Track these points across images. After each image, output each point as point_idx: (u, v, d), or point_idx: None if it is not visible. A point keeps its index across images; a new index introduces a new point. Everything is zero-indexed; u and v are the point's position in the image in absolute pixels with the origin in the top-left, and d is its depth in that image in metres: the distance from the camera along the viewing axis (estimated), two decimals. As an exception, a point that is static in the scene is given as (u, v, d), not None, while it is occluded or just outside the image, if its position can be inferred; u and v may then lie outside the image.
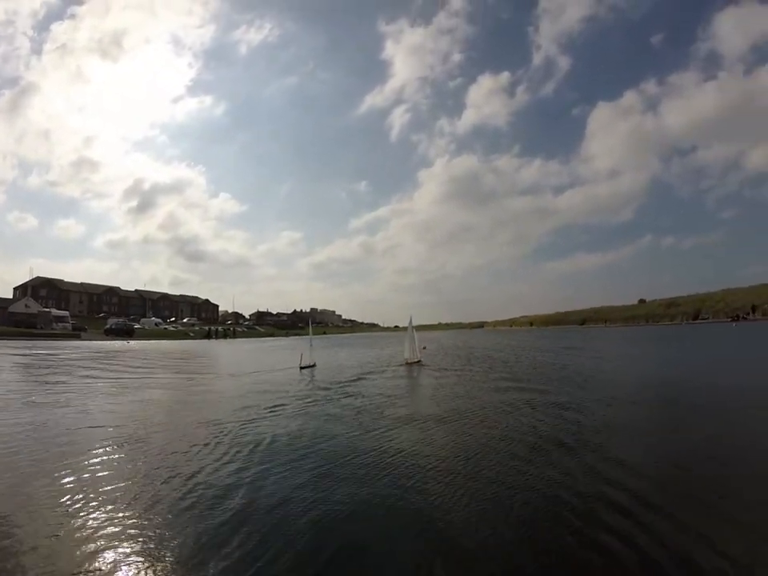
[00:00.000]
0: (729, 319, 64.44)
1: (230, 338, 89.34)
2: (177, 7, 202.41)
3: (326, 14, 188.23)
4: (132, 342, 55.66)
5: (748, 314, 65.27)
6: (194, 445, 7.23)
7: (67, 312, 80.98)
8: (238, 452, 6.80)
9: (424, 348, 28.36)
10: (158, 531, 4.11)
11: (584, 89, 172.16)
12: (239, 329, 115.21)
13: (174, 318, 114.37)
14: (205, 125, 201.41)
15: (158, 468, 6.02)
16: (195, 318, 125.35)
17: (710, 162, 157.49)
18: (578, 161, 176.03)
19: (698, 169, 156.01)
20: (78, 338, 63.15)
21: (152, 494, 5.04)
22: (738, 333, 38.95)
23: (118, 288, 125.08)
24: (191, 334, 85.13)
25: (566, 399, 10.56)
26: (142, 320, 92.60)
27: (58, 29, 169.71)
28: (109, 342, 57.60)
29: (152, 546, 3.84)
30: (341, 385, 14.51)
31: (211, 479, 5.57)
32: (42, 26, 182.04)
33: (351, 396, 12.09)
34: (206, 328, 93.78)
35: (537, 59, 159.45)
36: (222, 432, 8.07)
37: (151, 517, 4.42)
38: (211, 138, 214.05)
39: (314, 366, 20.80)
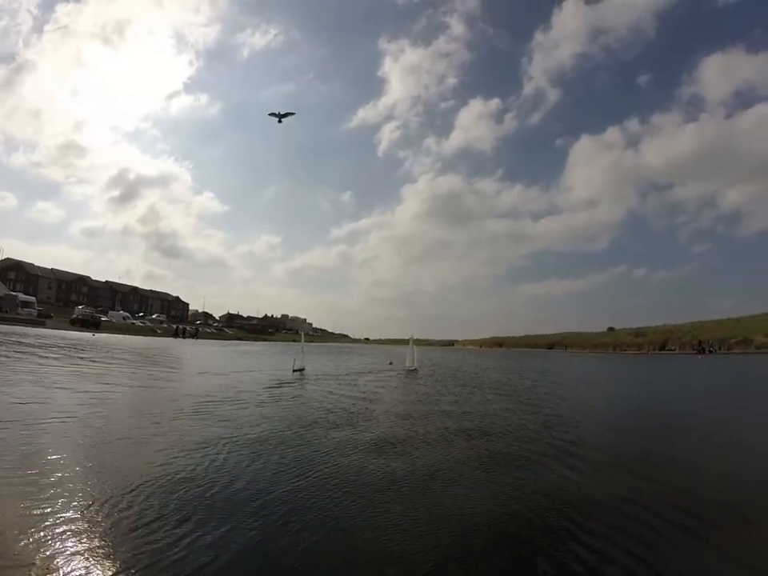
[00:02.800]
0: (695, 352, 65.44)
1: (197, 337, 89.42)
2: (185, 3, 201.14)
3: (331, 26, 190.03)
4: (97, 335, 55.74)
5: (713, 348, 66.32)
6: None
7: (34, 298, 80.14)
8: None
9: (390, 363, 29.72)
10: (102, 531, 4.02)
11: (569, 121, 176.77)
12: (207, 330, 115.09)
13: (142, 314, 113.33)
14: (197, 123, 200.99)
15: (110, 467, 5.81)
16: (164, 315, 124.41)
17: (686, 199, 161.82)
18: (558, 189, 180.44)
19: (674, 205, 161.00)
20: (43, 325, 61.81)
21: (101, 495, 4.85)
22: (703, 365, 40.17)
23: (89, 277, 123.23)
24: (159, 331, 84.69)
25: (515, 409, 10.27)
26: (110, 312, 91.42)
27: (63, 9, 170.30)
28: (74, 332, 57.50)
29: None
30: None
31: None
32: (47, 4, 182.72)
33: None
34: (174, 326, 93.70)
35: (527, 89, 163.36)
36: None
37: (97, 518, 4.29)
38: (202, 136, 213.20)
39: (303, 369, 22.44)
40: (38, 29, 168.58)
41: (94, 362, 21.03)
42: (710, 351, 64.78)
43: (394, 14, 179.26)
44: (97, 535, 3.95)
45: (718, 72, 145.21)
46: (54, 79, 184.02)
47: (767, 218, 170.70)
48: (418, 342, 27.70)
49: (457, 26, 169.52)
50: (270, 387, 16.04)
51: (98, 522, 4.21)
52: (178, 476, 5.74)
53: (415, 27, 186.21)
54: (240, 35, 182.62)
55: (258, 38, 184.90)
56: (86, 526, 4.12)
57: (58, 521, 4.16)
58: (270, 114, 28.31)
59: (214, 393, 13.48)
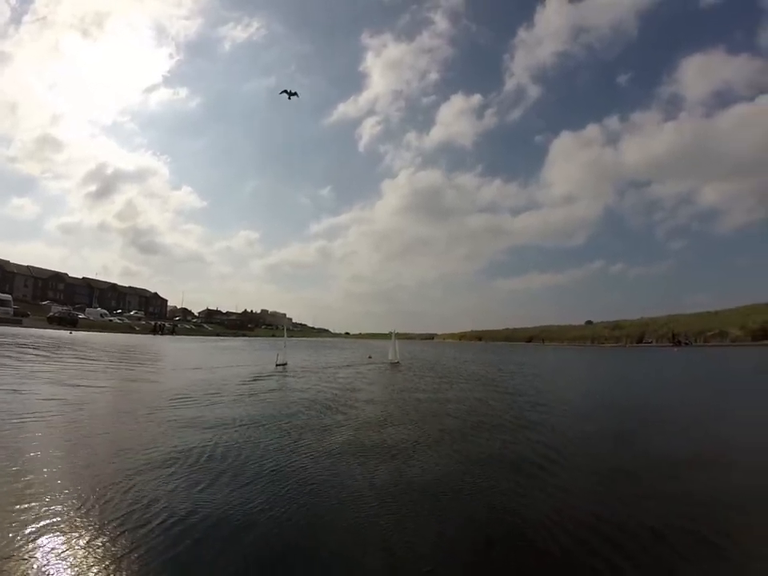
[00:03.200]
0: (671, 344, 66.98)
1: (175, 334, 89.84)
2: None
3: (314, 20, 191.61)
4: (75, 333, 56.25)
5: (688, 340, 68.07)
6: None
7: (10, 296, 79.48)
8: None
9: (370, 357, 30.47)
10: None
11: (549, 118, 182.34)
12: (187, 326, 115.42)
13: (120, 310, 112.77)
14: (177, 116, 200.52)
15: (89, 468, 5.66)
16: (143, 311, 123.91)
17: (663, 196, 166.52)
18: (537, 185, 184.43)
19: (652, 202, 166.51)
20: (20, 324, 61.13)
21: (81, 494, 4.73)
22: (679, 357, 40.80)
23: (66, 274, 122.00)
24: (137, 328, 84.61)
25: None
26: (88, 310, 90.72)
27: (42, 0, 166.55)
28: (51, 330, 57.79)
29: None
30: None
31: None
32: None
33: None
34: (153, 323, 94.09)
35: (509, 85, 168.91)
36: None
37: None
38: (181, 130, 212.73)
39: (285, 364, 22.72)
40: (16, 20, 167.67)
41: (70, 361, 20.77)
42: (686, 344, 66.36)
43: (378, 9, 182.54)
44: (68, 530, 3.92)
45: (698, 72, 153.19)
46: (31, 71, 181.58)
47: (743, 216, 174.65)
48: (399, 336, 28.93)
49: (441, 22, 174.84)
50: (255, 381, 16.46)
51: (71, 518, 4.18)
52: (169, 467, 5.84)
53: (398, 22, 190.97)
54: (222, 28, 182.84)
55: (240, 32, 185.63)
56: (59, 521, 4.10)
57: (34, 516, 4.14)
58: (282, 92, 30.36)
59: (200, 388, 13.53)
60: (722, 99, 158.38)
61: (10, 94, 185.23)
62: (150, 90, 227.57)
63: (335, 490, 5.24)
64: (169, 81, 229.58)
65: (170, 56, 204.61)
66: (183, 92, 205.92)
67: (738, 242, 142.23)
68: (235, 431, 8.03)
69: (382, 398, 13.14)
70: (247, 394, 12.86)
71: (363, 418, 9.86)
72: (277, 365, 22.34)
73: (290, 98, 32.01)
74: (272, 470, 5.84)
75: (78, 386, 12.90)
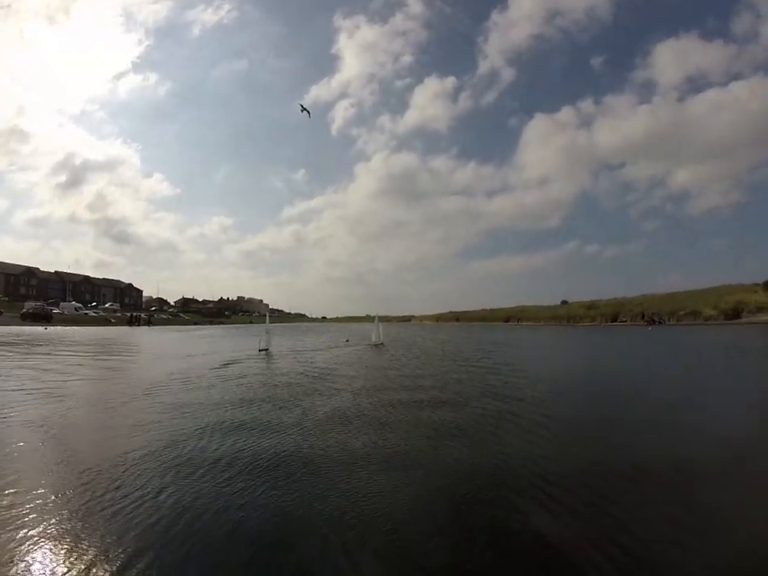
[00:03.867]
0: (644, 323, 68.46)
1: (152, 324, 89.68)
2: None
3: (286, 1, 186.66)
4: (50, 328, 56.10)
5: (662, 319, 69.65)
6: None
7: (-20, 294, 78.85)
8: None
9: (347, 341, 30.90)
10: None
11: (523, 100, 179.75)
12: (163, 316, 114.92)
13: (95, 303, 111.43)
14: (146, 103, 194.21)
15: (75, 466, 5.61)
16: (118, 303, 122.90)
17: (637, 178, 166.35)
18: (511, 167, 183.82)
19: (625, 183, 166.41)
20: None
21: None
22: (652, 335, 41.92)
23: (37, 269, 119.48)
24: (113, 321, 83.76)
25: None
26: (62, 304, 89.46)
27: None
28: (25, 327, 57.45)
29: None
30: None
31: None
32: None
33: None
34: (128, 314, 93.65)
35: (483, 68, 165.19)
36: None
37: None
38: (151, 117, 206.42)
39: (267, 349, 23.58)
40: None
41: (46, 357, 20.75)
42: (659, 322, 68.09)
43: None
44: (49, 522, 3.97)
45: (672, 57, 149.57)
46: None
47: (714, 198, 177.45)
48: (378, 319, 30.65)
49: (414, 5, 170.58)
50: (243, 364, 17.63)
51: (54, 509, 4.23)
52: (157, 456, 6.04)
53: (372, 5, 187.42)
54: (191, 12, 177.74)
55: (211, 14, 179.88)
56: (40, 513, 4.14)
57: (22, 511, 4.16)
58: (302, 109, 31.75)
59: (192, 374, 14.13)
60: (695, 85, 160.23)
61: None
62: (119, 76, 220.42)
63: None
64: (138, 67, 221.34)
65: (139, 42, 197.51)
66: (153, 78, 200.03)
67: (710, 224, 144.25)
68: (241, 409, 8.81)
69: (373, 374, 14.72)
70: (242, 376, 13.89)
71: (360, 386, 11.50)
72: (260, 350, 23.25)
73: (302, 111, 32.96)
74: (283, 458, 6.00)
75: (58, 392, 13.41)
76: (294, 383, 12.29)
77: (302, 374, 14.64)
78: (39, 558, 3.39)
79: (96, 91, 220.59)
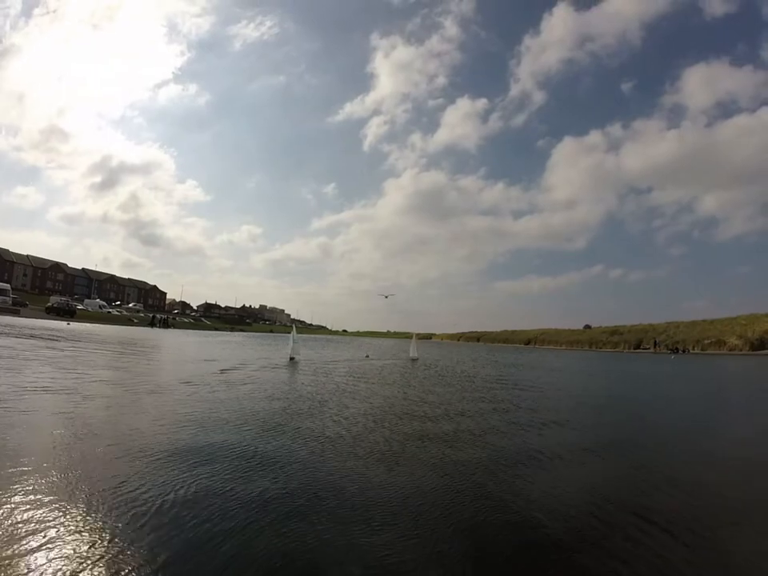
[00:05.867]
0: (668, 351, 66.42)
1: (173, 327, 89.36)
2: None
3: (326, 19, 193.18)
4: (72, 324, 55.68)
5: (686, 347, 67.46)
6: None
7: (8, 285, 79.12)
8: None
9: (367, 356, 30.39)
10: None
11: (553, 123, 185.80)
12: (185, 319, 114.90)
13: (119, 302, 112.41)
14: (184, 111, 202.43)
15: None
16: (141, 303, 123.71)
17: (664, 203, 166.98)
18: (539, 189, 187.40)
19: (652, 208, 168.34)
20: (17, 313, 61.23)
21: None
22: (674, 363, 40.48)
23: (65, 264, 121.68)
24: (134, 321, 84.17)
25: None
26: (86, 301, 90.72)
27: None
28: (49, 321, 57.31)
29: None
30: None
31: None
32: None
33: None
34: (150, 315, 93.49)
35: (514, 91, 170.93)
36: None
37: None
38: (188, 125, 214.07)
39: (294, 359, 23.29)
40: (27, 13, 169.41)
41: (69, 351, 20.38)
42: (683, 351, 65.97)
43: (389, 11, 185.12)
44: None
45: (701, 82, 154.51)
46: (40, 63, 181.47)
47: (742, 224, 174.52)
48: (398, 336, 29.85)
49: (450, 27, 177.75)
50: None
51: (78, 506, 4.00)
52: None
53: (409, 26, 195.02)
54: (234, 27, 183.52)
55: (252, 30, 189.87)
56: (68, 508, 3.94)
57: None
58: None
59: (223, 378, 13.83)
60: (725, 109, 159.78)
61: (18, 85, 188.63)
62: (160, 86, 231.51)
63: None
64: (179, 77, 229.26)
65: (181, 53, 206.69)
66: (192, 88, 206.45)
67: (736, 251, 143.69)
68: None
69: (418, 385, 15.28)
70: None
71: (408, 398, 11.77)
72: (291, 358, 23.19)
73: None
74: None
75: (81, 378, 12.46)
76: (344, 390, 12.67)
77: (345, 383, 14.59)
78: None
79: (136, 98, 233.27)
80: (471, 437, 7.58)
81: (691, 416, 11.47)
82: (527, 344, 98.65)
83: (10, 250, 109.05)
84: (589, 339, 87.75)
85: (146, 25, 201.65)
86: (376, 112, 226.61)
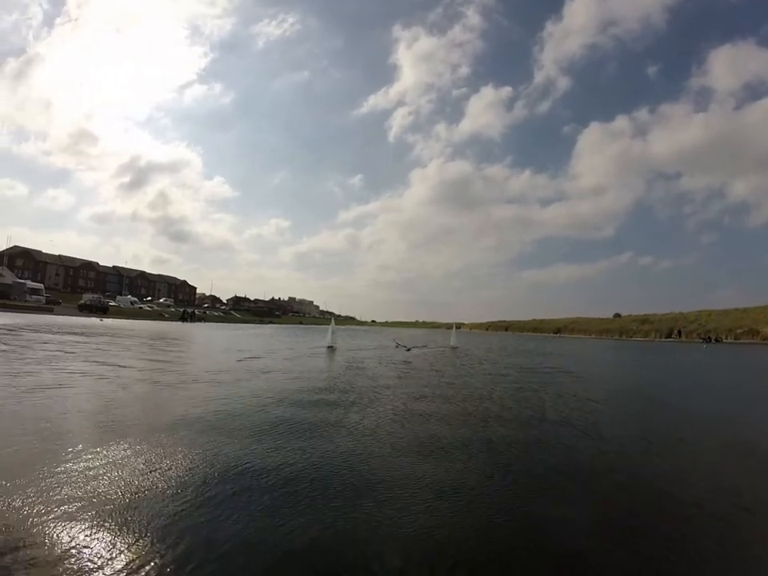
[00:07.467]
0: (701, 340, 64.81)
1: (204, 321, 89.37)
2: None
3: (348, 13, 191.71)
4: (105, 320, 55.47)
5: (719, 336, 65.54)
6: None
7: (42, 285, 79.99)
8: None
9: (396, 346, 29.58)
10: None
11: (578, 109, 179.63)
12: (215, 313, 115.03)
13: (150, 298, 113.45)
14: (210, 110, 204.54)
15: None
16: (172, 299, 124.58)
17: (693, 189, 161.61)
18: (566, 176, 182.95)
19: (681, 194, 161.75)
20: (51, 311, 62.27)
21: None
22: (707, 353, 39.10)
23: (96, 263, 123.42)
24: (166, 315, 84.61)
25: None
26: (118, 297, 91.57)
27: (73, 2, 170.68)
28: (82, 318, 57.28)
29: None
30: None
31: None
32: None
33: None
34: (181, 310, 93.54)
35: (538, 78, 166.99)
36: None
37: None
38: (214, 124, 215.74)
39: (332, 347, 24.36)
40: (49, 23, 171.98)
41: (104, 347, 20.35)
42: (716, 340, 64.35)
43: (410, 3, 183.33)
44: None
45: (728, 64, 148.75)
46: (65, 70, 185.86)
47: None
48: (426, 325, 29.37)
49: (472, 16, 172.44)
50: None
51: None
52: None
53: (431, 16, 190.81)
54: (256, 26, 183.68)
55: (274, 28, 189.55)
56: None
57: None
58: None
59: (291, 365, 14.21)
60: (753, 92, 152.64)
61: (45, 92, 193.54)
62: (185, 87, 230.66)
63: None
64: (203, 78, 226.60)
65: (204, 54, 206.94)
66: (217, 88, 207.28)
67: None
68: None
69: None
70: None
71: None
72: (328, 347, 24.20)
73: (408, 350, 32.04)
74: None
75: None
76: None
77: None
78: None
79: (161, 99, 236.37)
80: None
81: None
82: (557, 333, 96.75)
83: (42, 251, 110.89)
84: (619, 328, 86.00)
85: (168, 28, 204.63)
86: (400, 103, 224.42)
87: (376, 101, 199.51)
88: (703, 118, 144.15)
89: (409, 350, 26.63)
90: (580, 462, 5.41)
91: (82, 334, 26.51)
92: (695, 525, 3.87)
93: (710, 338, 65.33)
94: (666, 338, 74.29)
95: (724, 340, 64.67)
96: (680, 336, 70.35)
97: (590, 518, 3.86)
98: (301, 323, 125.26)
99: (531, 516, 3.82)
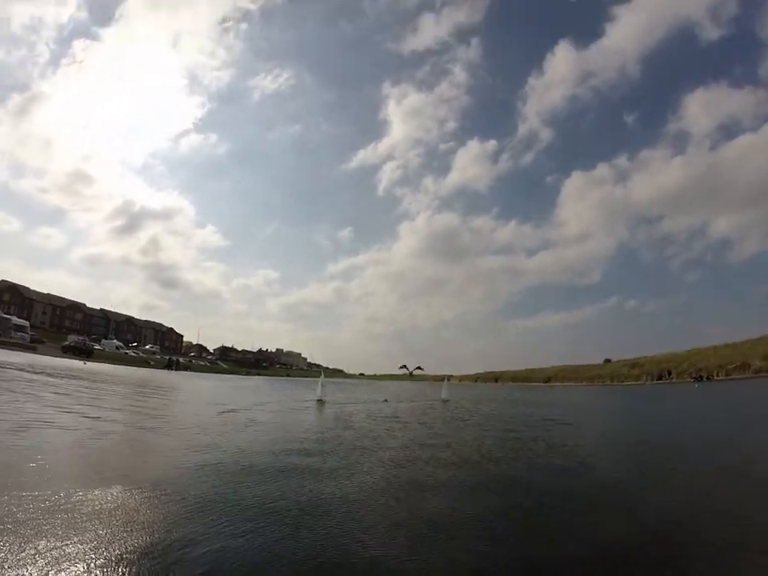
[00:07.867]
0: (692, 379, 63.99)
1: (190, 370, 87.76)
2: (201, 47, 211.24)
3: (340, 71, 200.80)
4: (88, 364, 54.26)
5: (710, 375, 63.80)
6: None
7: (28, 322, 78.76)
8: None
9: (385, 400, 29.65)
10: None
11: (560, 159, 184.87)
12: (201, 362, 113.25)
13: (136, 344, 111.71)
14: (205, 160, 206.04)
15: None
16: (158, 345, 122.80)
17: (676, 230, 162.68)
18: (551, 225, 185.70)
19: (664, 236, 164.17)
20: (34, 350, 60.47)
21: None
22: (698, 392, 39.85)
23: (83, 304, 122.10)
24: (151, 363, 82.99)
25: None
26: (103, 341, 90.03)
27: (80, 45, 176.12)
28: (65, 360, 56.07)
29: None
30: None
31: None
32: (65, 39, 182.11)
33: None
34: (167, 358, 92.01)
35: (521, 130, 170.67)
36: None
37: None
38: (208, 173, 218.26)
39: (322, 400, 24.66)
40: (55, 62, 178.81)
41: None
42: (708, 378, 63.10)
43: (400, 61, 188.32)
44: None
45: (702, 107, 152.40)
46: (67, 111, 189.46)
47: (756, 244, 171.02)
48: (414, 378, 29.62)
49: (459, 73, 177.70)
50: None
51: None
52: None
53: (419, 74, 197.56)
54: (252, 79, 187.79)
55: (270, 82, 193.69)
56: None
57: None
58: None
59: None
60: (728, 131, 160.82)
61: (46, 131, 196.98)
62: (181, 135, 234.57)
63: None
64: (199, 127, 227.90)
65: (202, 104, 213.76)
66: (213, 138, 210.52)
67: (754, 270, 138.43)
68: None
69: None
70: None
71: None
72: (317, 400, 24.48)
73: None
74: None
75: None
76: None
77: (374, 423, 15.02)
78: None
79: (158, 147, 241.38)
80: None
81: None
82: (547, 382, 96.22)
83: (30, 288, 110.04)
84: (609, 373, 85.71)
85: (168, 77, 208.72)
86: (389, 157, 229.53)
87: (366, 155, 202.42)
88: (681, 161, 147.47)
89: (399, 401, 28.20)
90: (575, 498, 5.94)
91: (59, 376, 25.83)
92: (687, 549, 4.25)
93: (701, 376, 64.33)
94: (657, 380, 73.86)
95: (716, 377, 63.44)
96: (670, 376, 70.55)
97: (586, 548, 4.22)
98: (288, 375, 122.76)
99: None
